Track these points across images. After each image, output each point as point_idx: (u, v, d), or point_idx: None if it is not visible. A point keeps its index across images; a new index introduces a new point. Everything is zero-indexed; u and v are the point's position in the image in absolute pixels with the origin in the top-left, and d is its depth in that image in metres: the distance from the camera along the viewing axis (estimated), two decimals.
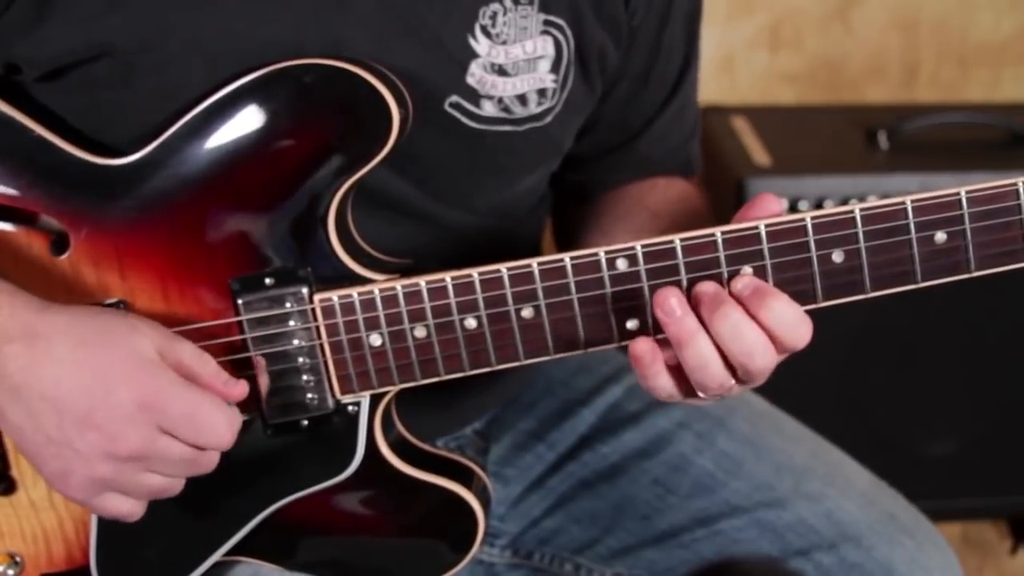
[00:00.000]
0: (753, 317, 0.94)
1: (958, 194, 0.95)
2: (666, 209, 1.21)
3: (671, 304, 0.94)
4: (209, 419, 0.95)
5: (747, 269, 0.96)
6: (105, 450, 0.94)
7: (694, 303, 0.95)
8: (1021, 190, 0.95)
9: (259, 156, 0.99)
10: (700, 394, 0.98)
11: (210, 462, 0.99)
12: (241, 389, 0.99)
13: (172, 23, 0.99)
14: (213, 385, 0.97)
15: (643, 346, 0.95)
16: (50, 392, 0.94)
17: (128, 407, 0.94)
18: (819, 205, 1.87)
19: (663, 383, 0.97)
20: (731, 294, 0.95)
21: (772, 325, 0.94)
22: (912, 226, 0.95)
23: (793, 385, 1.56)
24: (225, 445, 0.97)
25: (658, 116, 1.24)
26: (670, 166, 1.29)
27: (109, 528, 1.05)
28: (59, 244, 1.02)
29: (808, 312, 0.97)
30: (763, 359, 0.95)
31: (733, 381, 0.96)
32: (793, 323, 0.94)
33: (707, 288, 0.95)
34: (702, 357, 0.94)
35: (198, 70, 1.00)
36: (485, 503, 1.09)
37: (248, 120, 0.99)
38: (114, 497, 0.98)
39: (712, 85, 2.23)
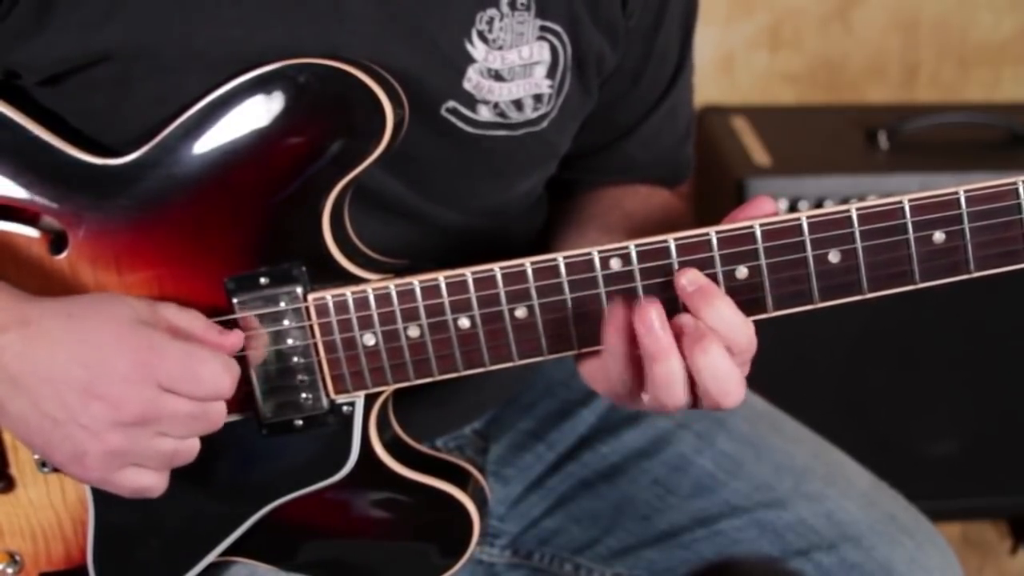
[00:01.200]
0: (696, 316, 0.94)
1: (956, 193, 0.94)
2: (643, 212, 1.21)
3: (651, 318, 0.93)
4: (206, 368, 0.95)
5: (743, 270, 0.95)
6: (111, 418, 0.94)
7: (675, 331, 0.94)
8: (1021, 189, 0.94)
9: (254, 155, 0.99)
10: (645, 400, 0.97)
11: (218, 416, 0.98)
12: (235, 338, 0.99)
13: (169, 30, 0.99)
14: (206, 338, 0.98)
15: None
16: (46, 371, 0.94)
17: (125, 370, 0.93)
18: (819, 205, 1.87)
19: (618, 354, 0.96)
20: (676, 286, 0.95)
21: (716, 327, 0.93)
22: (910, 225, 0.94)
23: (793, 385, 1.57)
24: (226, 392, 0.97)
25: (648, 116, 1.24)
26: (658, 170, 1.29)
27: (106, 527, 1.06)
28: (57, 243, 1.02)
29: (806, 313, 0.97)
30: (738, 395, 0.95)
31: (689, 402, 0.97)
32: (738, 326, 0.94)
33: (687, 320, 0.94)
34: (671, 375, 0.94)
35: (196, 76, 1.00)
36: (481, 505, 1.08)
37: (243, 120, 0.99)
38: (133, 471, 0.97)
39: (712, 85, 2.24)
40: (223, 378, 0.96)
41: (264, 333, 1.01)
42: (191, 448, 0.99)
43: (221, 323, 1.01)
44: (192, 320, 0.98)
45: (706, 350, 0.93)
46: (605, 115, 1.21)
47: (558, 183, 1.27)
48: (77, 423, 0.94)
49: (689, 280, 0.95)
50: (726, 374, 0.94)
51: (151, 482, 0.98)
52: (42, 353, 0.94)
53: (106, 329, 0.94)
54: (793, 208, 1.87)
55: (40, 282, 1.01)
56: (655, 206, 1.24)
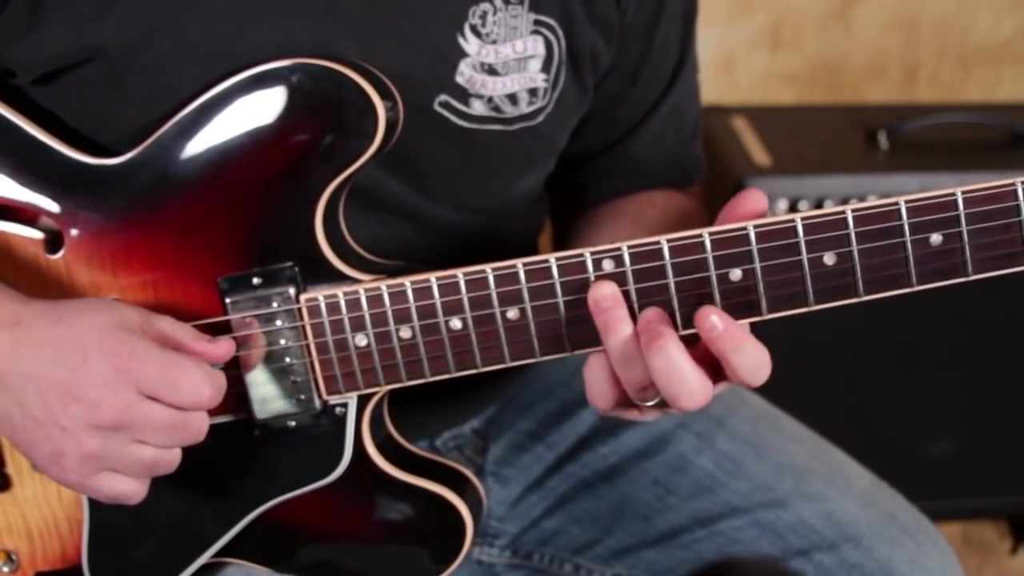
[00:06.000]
0: (722, 359, 0.92)
1: (954, 195, 0.92)
2: (662, 227, 1.20)
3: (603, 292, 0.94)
4: (187, 376, 0.95)
5: (736, 272, 0.94)
6: (88, 421, 0.94)
7: (639, 328, 0.94)
8: (1020, 191, 0.92)
9: (247, 156, 0.99)
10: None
11: (198, 427, 0.97)
12: (224, 348, 0.98)
13: (162, 26, 1.00)
14: (195, 348, 0.97)
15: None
16: (31, 370, 0.94)
17: (105, 373, 0.93)
18: (819, 205, 1.87)
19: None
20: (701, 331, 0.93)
21: (741, 373, 0.92)
22: (906, 227, 0.93)
23: (793, 385, 1.56)
24: (205, 402, 0.96)
25: (650, 116, 1.23)
26: (669, 172, 1.28)
27: (100, 527, 1.06)
28: (53, 243, 1.02)
29: (804, 314, 0.96)
30: (690, 400, 0.93)
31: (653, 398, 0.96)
32: (757, 366, 0.92)
33: (650, 315, 0.94)
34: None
35: (189, 72, 1.00)
36: (474, 507, 1.08)
37: (236, 120, 0.99)
38: (110, 476, 0.97)
39: (712, 85, 2.23)
40: (203, 388, 0.95)
41: (257, 333, 1.01)
42: (171, 459, 0.98)
43: (214, 324, 1.01)
44: (184, 332, 0.98)
45: (661, 349, 0.92)
46: (606, 115, 1.21)
47: (573, 190, 1.27)
48: (57, 424, 0.94)
49: (714, 323, 0.92)
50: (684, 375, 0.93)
51: (128, 489, 0.98)
52: (29, 353, 0.94)
53: (91, 333, 0.94)
54: (793, 208, 1.87)
55: (36, 282, 1.02)
56: (674, 216, 1.24)
